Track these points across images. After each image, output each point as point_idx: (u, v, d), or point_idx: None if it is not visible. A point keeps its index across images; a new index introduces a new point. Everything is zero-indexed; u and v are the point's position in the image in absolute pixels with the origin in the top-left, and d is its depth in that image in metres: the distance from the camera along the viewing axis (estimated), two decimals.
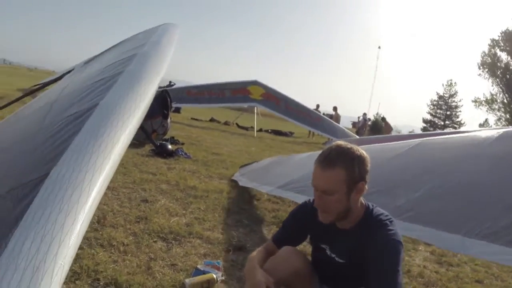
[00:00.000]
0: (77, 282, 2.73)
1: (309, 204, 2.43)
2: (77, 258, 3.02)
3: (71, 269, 2.83)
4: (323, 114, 23.37)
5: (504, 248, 2.59)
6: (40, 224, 1.23)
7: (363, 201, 2.25)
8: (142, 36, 5.03)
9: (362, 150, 2.15)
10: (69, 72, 6.69)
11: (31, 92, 8.40)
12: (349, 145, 2.14)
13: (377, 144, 5.93)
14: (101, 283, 2.78)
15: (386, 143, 5.83)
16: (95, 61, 5.66)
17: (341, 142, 2.21)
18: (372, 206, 2.27)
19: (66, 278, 2.63)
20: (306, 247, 3.08)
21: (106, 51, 6.56)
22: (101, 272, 2.90)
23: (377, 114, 44.83)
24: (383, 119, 26.19)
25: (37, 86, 11.22)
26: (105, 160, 1.52)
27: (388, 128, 25.19)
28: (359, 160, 2.10)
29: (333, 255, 2.32)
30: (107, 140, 1.62)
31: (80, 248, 3.20)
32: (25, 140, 2.39)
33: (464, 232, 2.83)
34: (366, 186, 2.17)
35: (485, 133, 4.59)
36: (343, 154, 2.09)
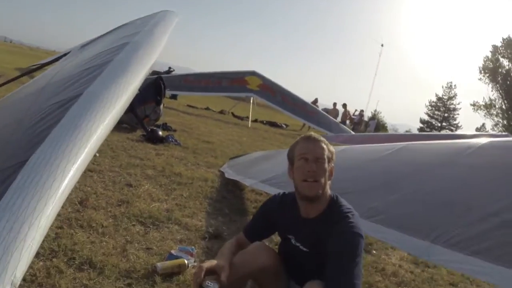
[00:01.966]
0: (53, 259, 2.83)
1: (277, 197, 2.61)
2: (56, 237, 3.14)
3: (49, 247, 2.95)
4: (323, 109, 23.60)
5: (468, 258, 2.62)
6: (15, 208, 1.34)
7: (330, 192, 2.40)
8: (139, 22, 5.09)
9: None
10: (65, 54, 6.75)
11: (28, 73, 8.43)
12: None
13: (362, 145, 6.03)
14: (76, 262, 2.87)
15: (370, 145, 5.92)
16: (90, 45, 5.73)
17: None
18: (337, 197, 2.42)
19: (43, 256, 2.77)
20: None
21: (103, 35, 6.62)
22: (77, 251, 2.99)
23: (375, 111, 45.00)
24: (344, 105, 26.20)
25: (34, 67, 11.25)
26: (80, 149, 1.61)
27: (345, 115, 25.69)
28: (331, 146, 2.42)
29: (298, 244, 2.45)
30: (85, 130, 1.72)
31: (60, 227, 3.32)
32: (11, 126, 2.49)
33: (432, 238, 2.87)
34: None
35: (468, 142, 4.64)
36: (321, 137, 2.43)
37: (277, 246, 2.73)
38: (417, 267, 4.38)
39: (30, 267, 2.62)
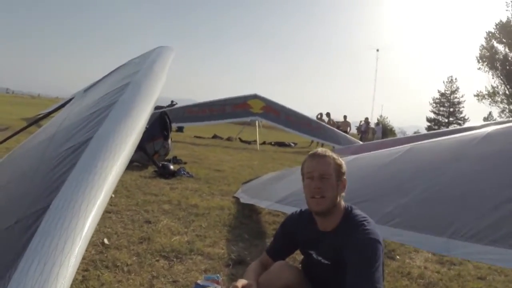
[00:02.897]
0: None
1: (295, 214, 2.67)
2: (83, 279, 3.21)
3: None
4: (334, 122, 23.71)
5: (487, 248, 2.67)
6: (44, 249, 1.41)
7: (343, 203, 2.46)
8: (137, 61, 5.20)
9: None
10: (70, 100, 6.89)
11: (35, 122, 8.60)
12: None
13: (369, 153, 6.06)
14: None
15: (378, 151, 5.95)
16: (93, 89, 5.84)
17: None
18: (351, 207, 2.47)
19: None
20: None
21: (104, 77, 6.74)
22: None
23: (380, 116, 44.98)
24: (328, 114, 25.63)
25: (40, 116, 11.46)
26: (98, 190, 1.68)
27: (330, 124, 25.58)
28: (340, 160, 2.46)
29: (319, 258, 2.49)
30: (100, 171, 1.79)
31: (86, 270, 3.39)
32: (28, 174, 2.57)
33: (449, 234, 2.93)
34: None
35: (473, 133, 4.67)
36: (328, 152, 2.47)
37: (300, 265, 2.77)
38: (443, 266, 4.36)
39: None
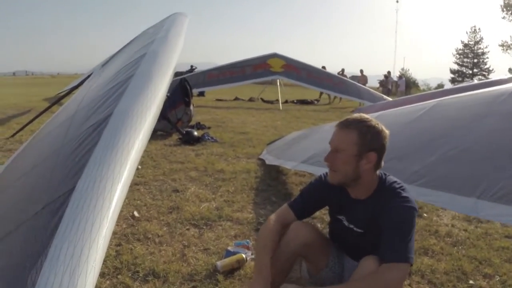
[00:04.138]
0: (118, 276, 2.93)
1: (325, 177, 2.53)
2: (117, 254, 3.25)
3: (112, 265, 3.06)
4: (351, 76, 23.26)
5: None
6: (72, 234, 1.41)
7: (377, 173, 2.34)
8: (152, 31, 5.14)
9: (382, 125, 2.27)
10: (88, 76, 6.90)
11: (57, 101, 8.70)
12: (370, 118, 2.28)
13: (395, 109, 5.93)
14: (140, 275, 2.97)
15: (403, 107, 5.82)
16: (111, 63, 5.83)
17: (364, 114, 2.34)
18: (385, 175, 2.36)
19: (108, 274, 2.90)
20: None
21: (120, 50, 6.73)
22: (139, 264, 3.10)
23: (402, 69, 44.17)
24: (323, 68, 25.21)
25: (61, 94, 11.58)
26: (122, 167, 1.66)
27: (364, 79, 25.38)
28: (374, 131, 2.22)
29: (351, 226, 2.41)
30: (123, 147, 1.77)
31: (119, 244, 3.43)
32: (52, 157, 2.56)
33: (477, 194, 2.85)
34: (383, 162, 2.29)
35: (500, 89, 4.48)
36: (361, 121, 2.24)
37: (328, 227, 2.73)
38: (470, 224, 4.30)
39: (98, 287, 2.74)
